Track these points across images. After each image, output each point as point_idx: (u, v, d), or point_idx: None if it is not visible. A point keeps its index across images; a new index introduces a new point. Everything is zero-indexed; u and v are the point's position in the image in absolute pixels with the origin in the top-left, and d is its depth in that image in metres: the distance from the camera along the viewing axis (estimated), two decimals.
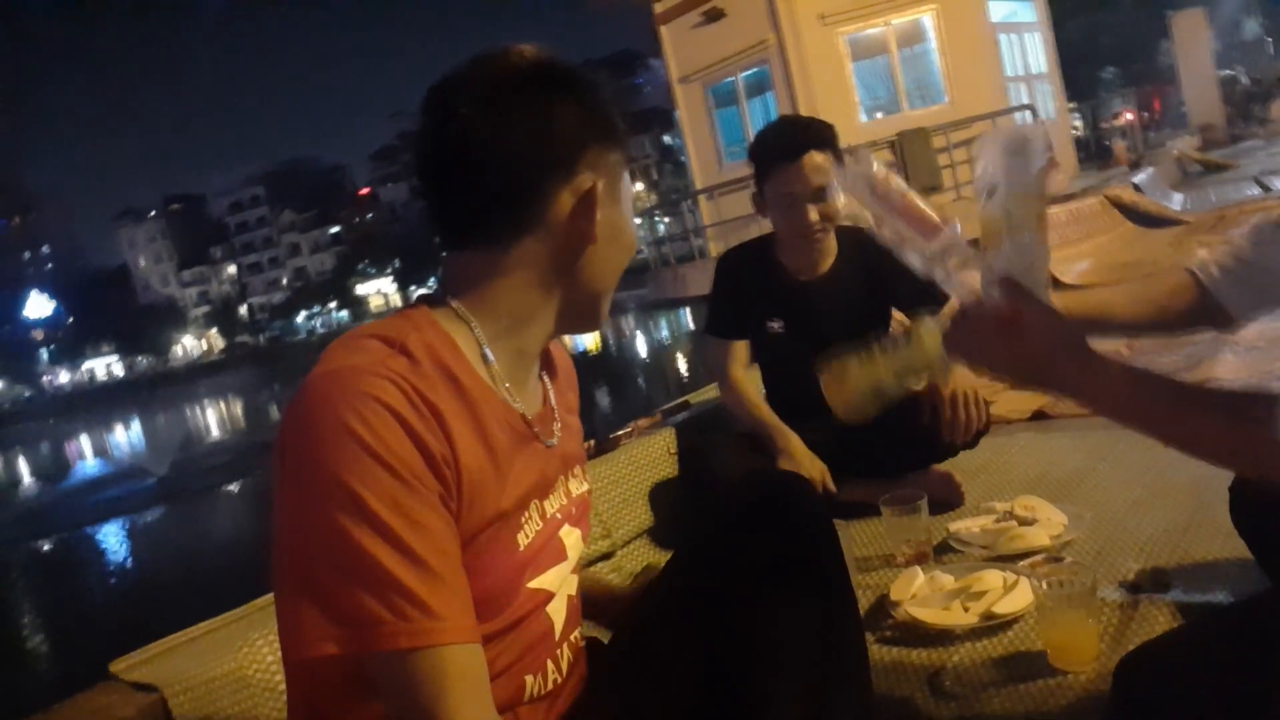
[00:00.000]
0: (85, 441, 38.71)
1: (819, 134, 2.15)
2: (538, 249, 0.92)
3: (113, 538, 14.52)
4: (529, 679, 0.94)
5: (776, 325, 2.26)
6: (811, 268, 2.27)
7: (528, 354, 0.97)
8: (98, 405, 60.44)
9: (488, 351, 0.92)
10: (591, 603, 1.22)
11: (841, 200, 2.16)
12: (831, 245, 2.27)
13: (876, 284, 2.24)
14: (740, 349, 2.30)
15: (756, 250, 2.35)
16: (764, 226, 2.36)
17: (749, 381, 2.31)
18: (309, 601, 0.79)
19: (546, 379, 1.05)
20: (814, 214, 2.13)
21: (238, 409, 38.58)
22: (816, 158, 2.10)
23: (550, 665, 0.97)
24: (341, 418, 0.78)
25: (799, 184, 2.11)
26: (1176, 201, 8.58)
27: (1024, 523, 1.87)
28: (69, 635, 9.16)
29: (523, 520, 0.92)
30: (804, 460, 2.06)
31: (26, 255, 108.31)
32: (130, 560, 13.04)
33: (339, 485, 0.77)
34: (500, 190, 0.90)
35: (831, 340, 2.20)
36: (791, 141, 2.14)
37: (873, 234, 2.38)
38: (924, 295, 2.25)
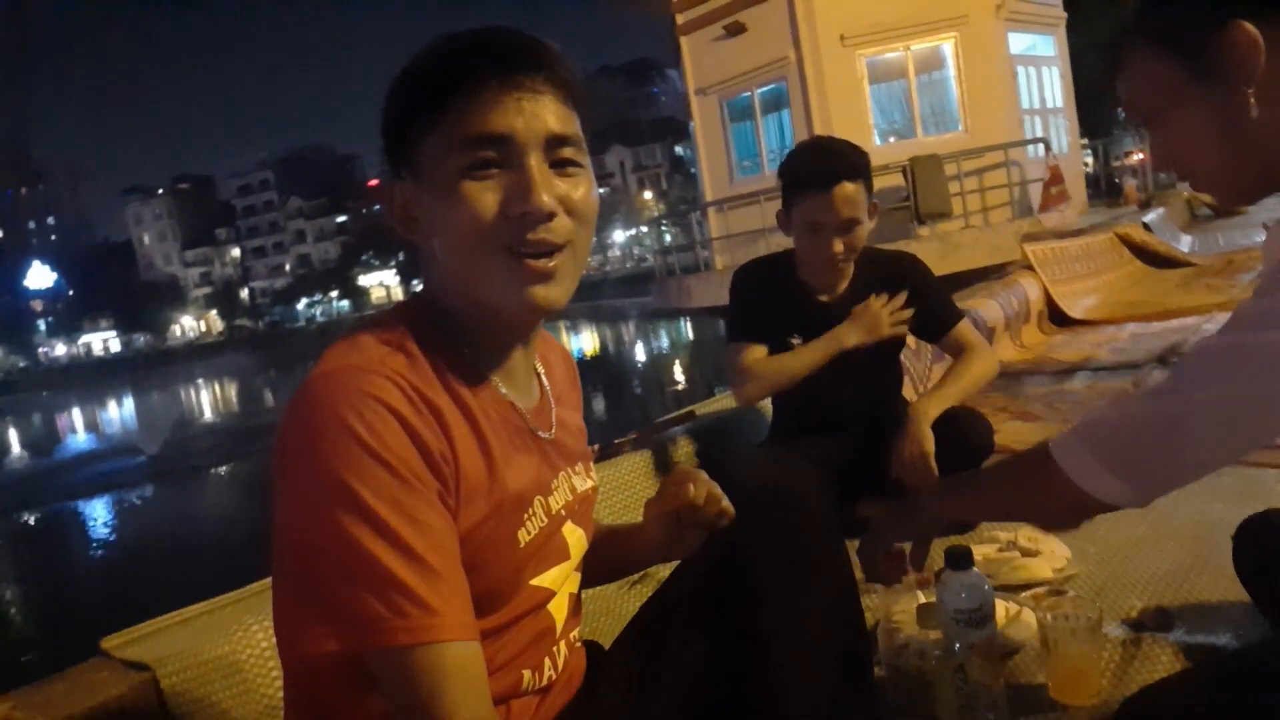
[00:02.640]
0: (77, 416, 38.65)
1: (853, 163, 2.07)
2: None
3: (101, 513, 14.48)
4: (526, 674, 0.94)
5: (796, 341, 2.20)
6: (832, 288, 2.23)
7: (504, 343, 0.96)
8: (92, 380, 60.32)
9: (469, 342, 0.92)
10: (621, 543, 1.19)
11: (866, 230, 2.11)
12: (850, 266, 2.23)
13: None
14: (760, 352, 2.22)
15: (775, 266, 2.30)
16: (770, 243, 2.35)
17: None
18: (308, 599, 0.79)
19: (543, 375, 1.05)
20: (839, 246, 2.08)
21: (232, 392, 38.57)
22: (848, 188, 2.04)
23: (547, 662, 0.97)
24: (341, 417, 0.78)
25: (827, 214, 2.05)
26: (1185, 243, 8.59)
27: (1027, 554, 1.86)
28: (53, 608, 9.13)
29: (525, 517, 0.92)
30: (852, 330, 2.12)
31: (31, 225, 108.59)
32: (116, 537, 13.01)
33: (338, 484, 0.77)
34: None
35: (848, 360, 2.19)
36: (825, 169, 2.06)
37: (889, 256, 2.30)
38: (941, 323, 2.28)
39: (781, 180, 2.16)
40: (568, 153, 0.89)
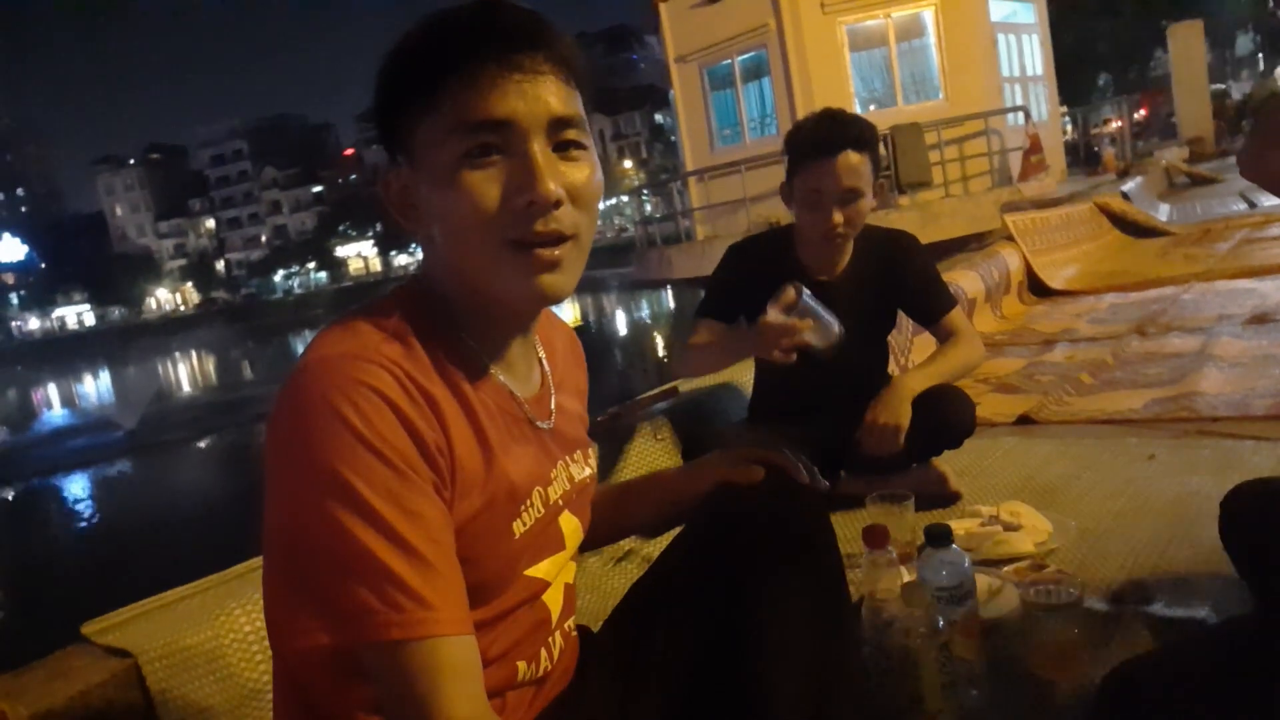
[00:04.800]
0: (53, 390, 38.22)
1: (858, 133, 2.03)
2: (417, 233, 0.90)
3: (77, 490, 14.36)
4: (521, 665, 0.93)
5: None
6: (830, 268, 2.18)
7: (504, 331, 0.93)
8: (67, 354, 59.59)
9: (468, 329, 0.90)
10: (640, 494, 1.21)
11: (867, 206, 2.06)
12: (849, 244, 2.18)
13: (890, 286, 2.20)
14: (715, 330, 2.15)
15: (772, 244, 2.23)
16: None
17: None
18: (300, 590, 0.78)
19: (544, 359, 1.03)
20: (838, 216, 2.03)
21: (210, 365, 38.25)
22: (852, 158, 2.00)
23: (543, 653, 0.97)
24: (335, 405, 0.76)
25: (828, 183, 2.01)
26: (1163, 212, 8.63)
27: (1009, 528, 1.87)
28: (29, 590, 9.05)
29: (522, 509, 0.90)
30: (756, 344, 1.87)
31: (1, 197, 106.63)
32: (94, 514, 12.90)
33: (332, 474, 0.75)
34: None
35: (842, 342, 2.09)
36: (828, 137, 2.02)
37: (886, 235, 2.17)
38: (934, 309, 2.23)
39: (786, 149, 2.12)
40: (571, 134, 0.85)
